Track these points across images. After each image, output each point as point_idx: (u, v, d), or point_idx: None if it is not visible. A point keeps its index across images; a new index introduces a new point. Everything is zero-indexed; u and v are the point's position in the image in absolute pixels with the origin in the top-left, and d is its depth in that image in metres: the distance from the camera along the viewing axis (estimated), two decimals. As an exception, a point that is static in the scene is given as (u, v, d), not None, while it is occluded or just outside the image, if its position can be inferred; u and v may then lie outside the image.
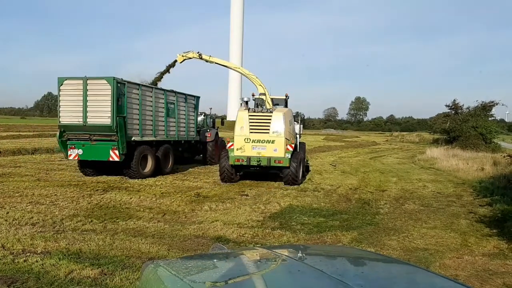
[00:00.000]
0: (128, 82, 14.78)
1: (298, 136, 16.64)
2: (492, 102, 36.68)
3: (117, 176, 15.46)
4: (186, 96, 19.14)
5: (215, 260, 2.50)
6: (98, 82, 14.10)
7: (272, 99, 16.57)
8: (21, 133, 39.65)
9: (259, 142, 14.70)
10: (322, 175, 18.36)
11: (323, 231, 8.85)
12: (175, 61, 18.58)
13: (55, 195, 11.59)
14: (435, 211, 11.33)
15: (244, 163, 14.71)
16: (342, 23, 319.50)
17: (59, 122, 14.67)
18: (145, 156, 15.61)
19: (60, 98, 14.53)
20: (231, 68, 19.72)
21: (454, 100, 39.49)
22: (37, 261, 6.30)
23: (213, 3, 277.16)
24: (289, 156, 14.65)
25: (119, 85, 14.15)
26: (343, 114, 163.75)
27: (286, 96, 17.73)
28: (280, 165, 14.62)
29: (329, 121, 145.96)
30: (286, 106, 17.28)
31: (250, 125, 14.81)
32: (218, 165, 16.12)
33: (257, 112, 15.34)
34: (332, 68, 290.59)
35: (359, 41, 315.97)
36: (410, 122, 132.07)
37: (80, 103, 14.13)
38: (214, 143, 21.39)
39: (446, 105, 40.23)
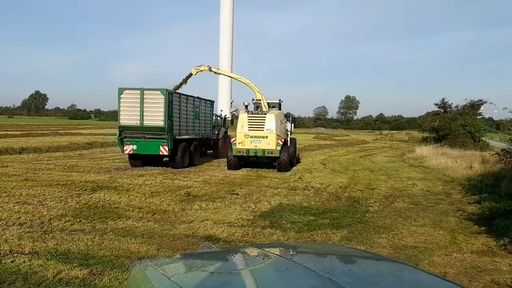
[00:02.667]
0: (174, 92, 18.70)
1: (289, 133, 20.39)
2: (481, 100, 36.95)
3: (106, 176, 15.38)
4: (205, 101, 22.66)
5: (203, 259, 2.48)
6: (154, 93, 17.32)
7: (268, 103, 20.80)
8: (8, 132, 39.26)
9: (256, 138, 18.21)
10: (312, 174, 18.40)
11: (313, 229, 8.87)
12: (190, 74, 22.48)
13: (43, 195, 11.47)
14: (424, 209, 11.41)
15: (244, 154, 18.37)
16: (332, 23, 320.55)
17: (119, 123, 17.59)
18: (184, 151, 18.82)
19: (120, 104, 17.43)
20: (234, 78, 22.99)
21: (443, 99, 39.77)
22: (24, 262, 6.23)
23: (202, 0, 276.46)
24: (280, 148, 18.19)
25: (169, 95, 17.41)
26: (333, 112, 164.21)
27: (279, 100, 21.69)
28: (272, 155, 18.30)
29: (319, 120, 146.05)
30: (279, 108, 21.08)
31: (249, 124, 18.33)
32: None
33: (254, 114, 18.87)
34: (322, 67, 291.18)
35: (349, 40, 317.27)
36: (399, 121, 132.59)
37: (138, 109, 17.21)
38: (223, 140, 24.58)
39: (435, 104, 40.47)
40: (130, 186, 13.49)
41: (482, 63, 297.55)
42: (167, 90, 17.43)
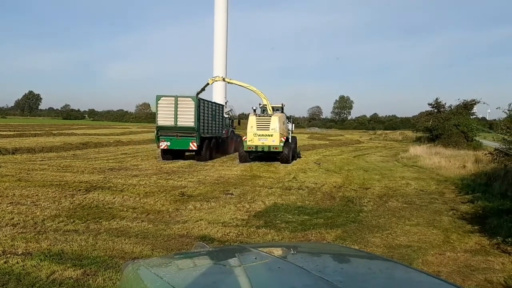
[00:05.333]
0: (200, 99, 22.02)
1: (290, 132, 24.00)
2: (474, 100, 37.07)
3: (100, 176, 15.33)
4: (218, 105, 26.35)
5: (196, 259, 2.48)
6: (186, 99, 20.97)
7: (272, 107, 24.14)
8: (1, 132, 39.00)
9: (263, 136, 21.97)
10: (307, 173, 18.44)
11: (307, 229, 8.88)
12: (207, 83, 25.79)
13: (37, 195, 11.41)
14: (418, 208, 11.46)
15: (253, 150, 22.26)
16: (326, 23, 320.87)
17: (157, 124, 21.22)
18: (207, 147, 22.64)
19: (158, 108, 21.03)
20: (244, 87, 25.89)
21: (437, 99, 39.92)
22: (18, 263, 6.20)
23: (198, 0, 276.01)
24: (282, 145, 21.97)
25: (197, 101, 21.09)
26: (327, 112, 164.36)
27: (282, 105, 25.34)
28: (276, 150, 22.08)
29: (314, 120, 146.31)
30: (282, 111, 24.67)
31: (257, 125, 22.16)
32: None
33: (261, 116, 22.75)
34: (316, 67, 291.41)
35: (343, 40, 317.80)
36: (393, 121, 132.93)
37: (172, 112, 20.81)
38: (230, 139, 28.20)
39: (429, 104, 40.60)
40: (124, 186, 13.45)
41: (475, 63, 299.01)
42: (197, 97, 21.47)
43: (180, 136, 21.12)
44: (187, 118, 20.78)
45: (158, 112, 21.08)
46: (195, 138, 21.06)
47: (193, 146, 21.17)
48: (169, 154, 22.13)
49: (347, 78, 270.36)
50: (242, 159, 22.49)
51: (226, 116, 28.78)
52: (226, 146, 27.49)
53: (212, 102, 24.62)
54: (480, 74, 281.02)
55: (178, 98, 20.82)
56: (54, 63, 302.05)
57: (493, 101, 68.11)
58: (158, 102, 20.98)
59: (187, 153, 22.85)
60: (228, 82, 27.16)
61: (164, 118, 20.94)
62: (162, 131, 21.27)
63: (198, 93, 24.42)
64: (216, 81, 26.58)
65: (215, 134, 24.72)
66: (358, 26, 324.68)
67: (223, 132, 27.13)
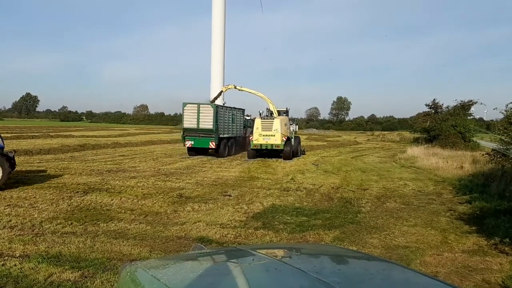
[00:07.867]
0: (219, 105, 26.32)
1: (293, 132, 27.46)
2: (471, 101, 37.08)
3: (98, 178, 15.31)
4: (238, 109, 30.04)
5: (193, 260, 2.48)
6: (206, 106, 25.12)
7: (278, 110, 27.84)
8: (-1, 135, 38.87)
9: (267, 136, 25.11)
10: (305, 175, 18.44)
11: (305, 230, 8.89)
12: (221, 91, 30.54)
13: (34, 197, 11.40)
14: (415, 209, 11.48)
15: (259, 148, 25.50)
16: (322, 23, 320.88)
17: (183, 126, 25.28)
18: (225, 145, 26.46)
19: (184, 113, 24.97)
20: (253, 93, 28.91)
21: (434, 100, 39.91)
22: (15, 265, 6.19)
23: (196, 1, 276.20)
24: (284, 143, 25.16)
25: (216, 107, 24.91)
26: (325, 114, 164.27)
27: (286, 109, 28.86)
28: (278, 148, 25.30)
29: (311, 121, 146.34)
30: (287, 114, 28.32)
31: (262, 126, 25.32)
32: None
33: (265, 119, 26.17)
34: (313, 68, 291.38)
35: (340, 42, 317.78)
36: (391, 122, 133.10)
37: (195, 116, 24.71)
38: (248, 138, 30.25)
39: (426, 105, 40.60)
40: (122, 188, 13.44)
41: (473, 64, 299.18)
42: (215, 104, 25.84)
43: (201, 136, 24.98)
44: (207, 121, 24.61)
45: (184, 116, 25.03)
46: (213, 138, 24.87)
47: (212, 145, 25.02)
48: (193, 151, 26.15)
49: (345, 79, 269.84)
50: (250, 156, 25.85)
51: (247, 118, 32.60)
52: (245, 144, 30.44)
53: (231, 108, 28.54)
54: (478, 75, 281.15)
55: (200, 105, 24.86)
56: (51, 65, 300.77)
57: (490, 102, 68.19)
58: (184, 108, 24.87)
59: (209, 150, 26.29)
60: (239, 90, 29.49)
61: (189, 121, 24.86)
62: (187, 132, 25.26)
63: (212, 100, 28.42)
64: (229, 88, 30.00)
65: (234, 134, 28.65)
66: (354, 27, 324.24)
67: (242, 132, 30.94)
